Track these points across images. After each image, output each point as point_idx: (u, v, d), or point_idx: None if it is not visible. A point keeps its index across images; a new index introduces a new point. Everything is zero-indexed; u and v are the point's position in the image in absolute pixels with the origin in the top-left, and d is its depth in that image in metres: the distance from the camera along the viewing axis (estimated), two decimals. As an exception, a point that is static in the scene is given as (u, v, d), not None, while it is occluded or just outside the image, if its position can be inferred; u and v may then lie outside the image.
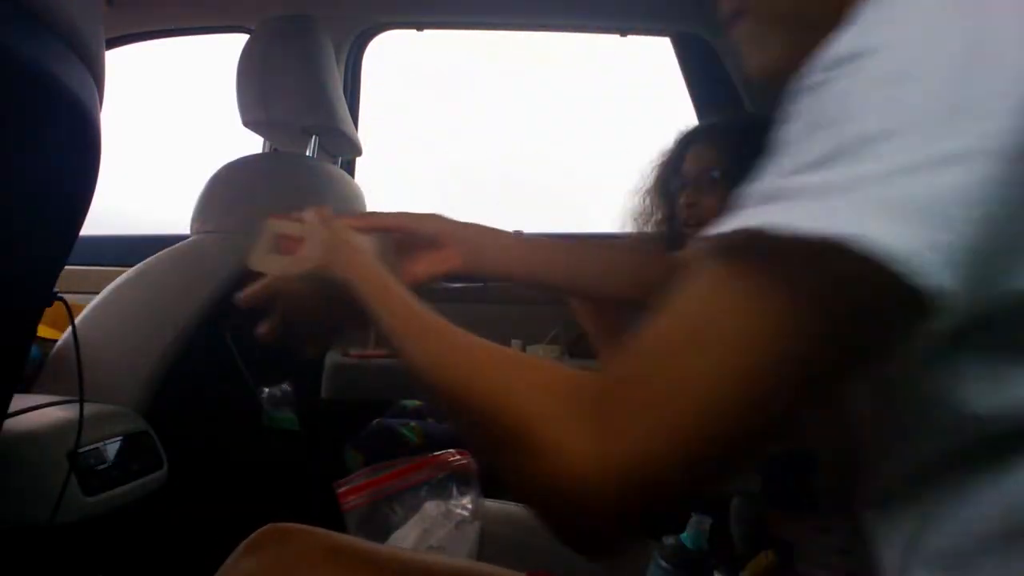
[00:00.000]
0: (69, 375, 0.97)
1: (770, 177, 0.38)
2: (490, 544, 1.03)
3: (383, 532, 1.01)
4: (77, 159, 0.64)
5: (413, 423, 1.39)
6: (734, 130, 1.37)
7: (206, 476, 1.30)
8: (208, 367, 1.30)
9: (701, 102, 1.99)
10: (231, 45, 1.86)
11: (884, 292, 0.34)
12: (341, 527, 1.05)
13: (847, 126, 0.36)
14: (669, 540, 0.94)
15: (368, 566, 0.72)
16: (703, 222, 1.46)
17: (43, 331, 1.30)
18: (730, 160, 1.35)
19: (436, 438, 1.32)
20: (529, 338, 1.98)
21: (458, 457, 1.11)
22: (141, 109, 2.33)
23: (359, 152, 1.85)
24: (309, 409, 1.67)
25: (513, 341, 2.00)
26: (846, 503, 0.94)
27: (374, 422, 1.40)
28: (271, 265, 0.71)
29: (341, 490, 1.05)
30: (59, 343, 1.21)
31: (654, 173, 1.53)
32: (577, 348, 2.00)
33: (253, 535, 0.75)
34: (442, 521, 1.01)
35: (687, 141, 1.50)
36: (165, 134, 2.47)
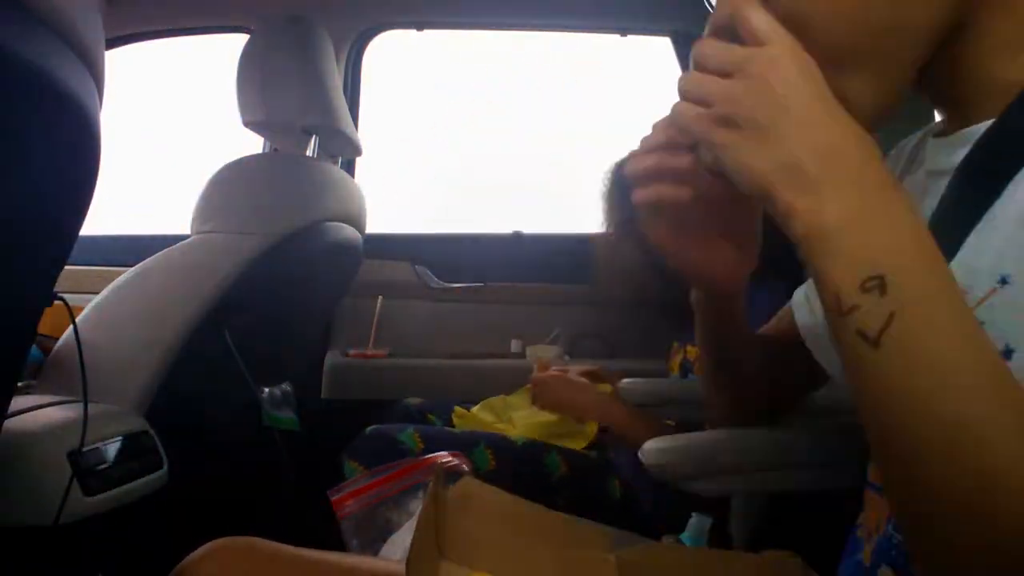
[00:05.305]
0: (69, 375, 0.97)
1: None
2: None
3: (381, 536, 1.00)
4: (77, 159, 0.64)
5: (411, 428, 1.35)
6: None
7: (206, 476, 1.30)
8: (208, 367, 1.30)
9: (701, 102, 1.99)
10: (231, 45, 1.86)
11: None
12: (337, 530, 1.04)
13: None
14: (669, 540, 0.94)
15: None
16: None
17: (43, 331, 1.30)
18: None
19: (436, 442, 1.29)
20: (529, 338, 1.98)
21: (451, 459, 1.10)
22: (141, 109, 2.33)
23: (359, 152, 1.85)
24: (309, 409, 1.67)
25: (513, 341, 2.00)
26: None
27: (368, 429, 1.36)
28: None
29: (335, 498, 1.03)
30: (59, 343, 1.21)
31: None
32: (577, 348, 2.01)
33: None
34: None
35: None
36: (165, 134, 2.47)
